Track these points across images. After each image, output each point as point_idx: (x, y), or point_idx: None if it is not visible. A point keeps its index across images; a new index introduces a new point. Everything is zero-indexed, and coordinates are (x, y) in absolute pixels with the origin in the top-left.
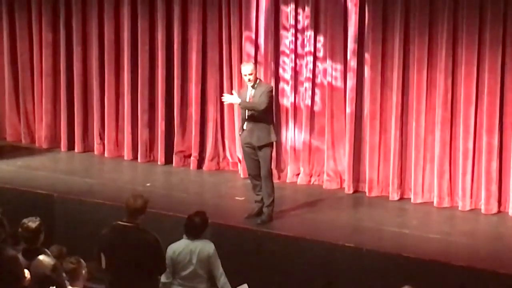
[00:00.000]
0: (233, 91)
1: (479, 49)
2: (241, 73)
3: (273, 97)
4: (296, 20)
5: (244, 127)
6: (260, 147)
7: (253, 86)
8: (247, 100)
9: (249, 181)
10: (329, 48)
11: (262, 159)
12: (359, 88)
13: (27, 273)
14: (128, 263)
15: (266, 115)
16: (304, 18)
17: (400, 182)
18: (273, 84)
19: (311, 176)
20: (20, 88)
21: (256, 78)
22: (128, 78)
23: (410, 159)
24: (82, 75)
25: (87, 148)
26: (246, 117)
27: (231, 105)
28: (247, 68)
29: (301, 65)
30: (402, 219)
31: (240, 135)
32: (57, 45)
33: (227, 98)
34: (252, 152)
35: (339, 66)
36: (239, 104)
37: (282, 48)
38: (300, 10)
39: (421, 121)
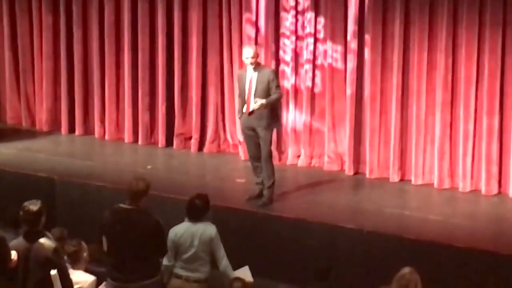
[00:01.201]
0: (258, 100)
1: (479, 30)
2: (241, 55)
3: None
4: (297, 2)
5: (244, 110)
6: (265, 132)
7: (254, 69)
8: (247, 83)
9: (249, 163)
10: (330, 30)
11: (263, 141)
12: (360, 69)
13: (13, 254)
14: (130, 245)
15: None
16: (304, 0)
17: (400, 163)
18: (273, 66)
19: (311, 158)
20: (21, 71)
21: (257, 62)
22: (129, 60)
23: (411, 140)
24: (82, 58)
25: (88, 131)
26: (254, 102)
27: (232, 88)
28: (248, 51)
29: (301, 47)
30: (403, 201)
31: (239, 118)
32: (57, 28)
33: (254, 106)
34: (254, 134)
35: (340, 48)
36: (264, 104)
37: (282, 30)
38: None
39: (421, 103)
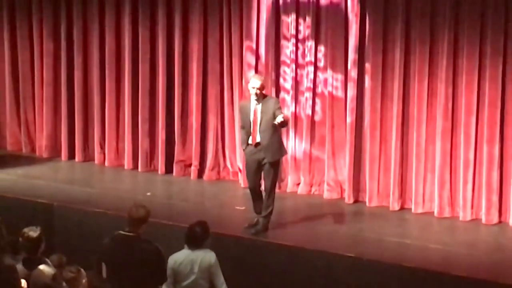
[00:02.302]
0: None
1: (480, 59)
2: (241, 83)
3: None
4: (297, 30)
5: (250, 141)
6: (272, 163)
7: (258, 100)
8: (252, 115)
9: (249, 190)
10: (330, 58)
11: (270, 172)
12: (360, 98)
13: (23, 283)
14: (130, 273)
15: (278, 131)
16: (305, 28)
17: (400, 192)
18: (274, 94)
19: (311, 186)
20: (21, 97)
21: (263, 94)
22: (129, 87)
23: (411, 169)
24: (82, 85)
25: (88, 157)
26: (259, 133)
27: (232, 115)
28: (256, 82)
29: (301, 75)
30: (403, 229)
31: (244, 149)
32: (58, 55)
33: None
34: (258, 167)
35: (340, 76)
36: (279, 124)
37: (282, 58)
38: (301, 20)
39: (421, 131)
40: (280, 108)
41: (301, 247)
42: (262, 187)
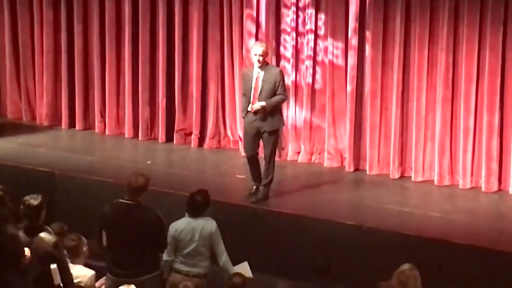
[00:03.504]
0: (260, 103)
1: (480, 27)
2: (241, 51)
3: None
4: None
5: (249, 109)
6: (271, 132)
7: (261, 68)
8: (253, 82)
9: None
10: (330, 26)
11: (269, 141)
12: (360, 66)
13: (27, 251)
14: (130, 240)
15: None
16: None
17: (400, 160)
18: (274, 62)
19: (311, 154)
20: (21, 65)
21: (266, 62)
22: (129, 55)
23: (411, 137)
24: (83, 53)
25: (88, 125)
26: (259, 101)
27: (232, 83)
28: (258, 48)
29: (302, 43)
30: (403, 197)
31: (243, 117)
32: (58, 23)
33: (255, 106)
34: (257, 135)
35: (340, 44)
36: (266, 104)
37: (283, 26)
38: None
39: (422, 99)
40: (282, 80)
41: (301, 215)
42: (260, 155)
